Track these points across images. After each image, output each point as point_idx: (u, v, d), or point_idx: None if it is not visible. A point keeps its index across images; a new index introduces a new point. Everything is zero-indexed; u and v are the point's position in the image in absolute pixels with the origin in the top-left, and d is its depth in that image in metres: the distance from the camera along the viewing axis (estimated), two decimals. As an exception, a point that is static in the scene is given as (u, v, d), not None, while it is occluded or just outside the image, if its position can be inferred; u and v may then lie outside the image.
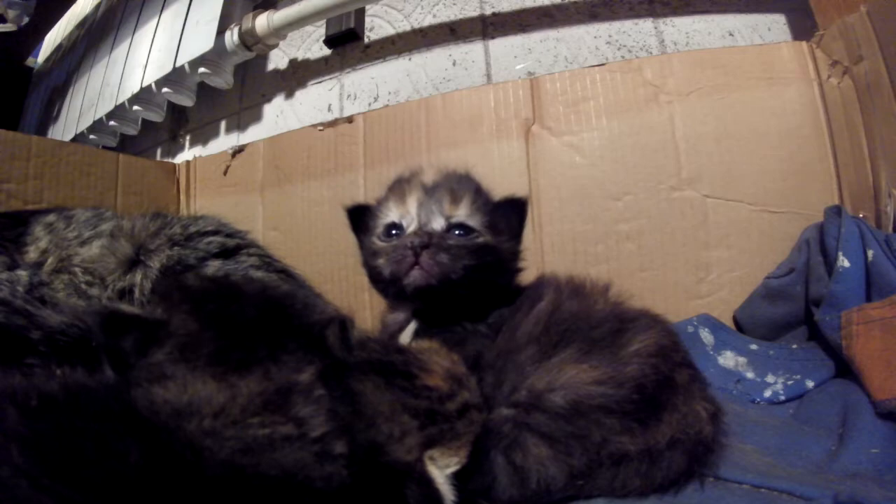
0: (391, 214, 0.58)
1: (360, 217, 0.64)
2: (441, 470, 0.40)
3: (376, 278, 0.59)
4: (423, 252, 0.52)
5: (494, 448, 0.45)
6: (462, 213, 0.56)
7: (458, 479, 0.41)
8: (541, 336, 0.52)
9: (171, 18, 1.37)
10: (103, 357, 0.39)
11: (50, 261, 0.65)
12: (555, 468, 0.44)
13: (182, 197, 1.22)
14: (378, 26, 1.28)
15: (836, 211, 0.72)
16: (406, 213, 0.57)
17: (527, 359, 0.50)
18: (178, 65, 1.29)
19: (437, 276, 0.52)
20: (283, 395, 0.35)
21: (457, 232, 0.55)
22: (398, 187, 0.60)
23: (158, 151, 1.59)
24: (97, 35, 1.67)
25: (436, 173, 0.60)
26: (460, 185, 0.58)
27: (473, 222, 0.56)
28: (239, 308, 0.41)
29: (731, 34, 1.01)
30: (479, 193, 0.59)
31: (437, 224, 0.55)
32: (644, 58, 0.98)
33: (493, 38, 1.17)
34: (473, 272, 0.54)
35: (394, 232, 0.57)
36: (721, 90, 0.84)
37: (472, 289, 0.54)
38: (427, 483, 0.38)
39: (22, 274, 0.62)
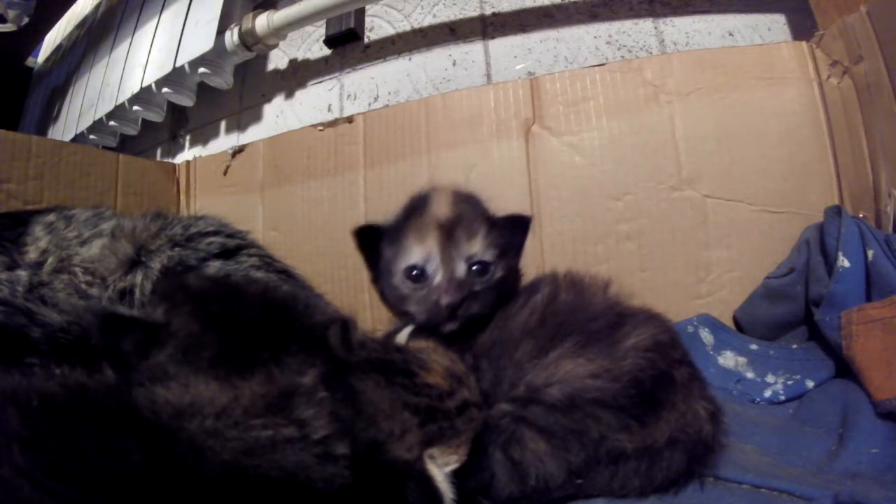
0: (412, 256, 0.57)
1: (367, 237, 0.63)
2: (441, 468, 0.40)
3: (399, 309, 0.60)
4: (458, 308, 0.54)
5: (493, 444, 0.45)
6: (478, 249, 0.57)
7: (457, 477, 0.41)
8: (536, 329, 0.52)
9: (171, 18, 1.37)
10: (102, 358, 0.39)
11: (50, 261, 0.65)
12: (553, 464, 0.44)
13: (182, 197, 1.22)
14: (378, 26, 1.28)
15: (836, 211, 0.72)
16: (428, 257, 0.57)
17: (524, 355, 0.51)
18: (178, 65, 1.28)
19: (468, 319, 0.55)
20: (286, 398, 0.35)
21: (475, 268, 0.56)
22: (415, 223, 0.59)
23: (158, 151, 1.59)
24: (97, 35, 1.66)
25: (445, 201, 0.59)
26: (473, 216, 0.58)
27: (489, 256, 0.57)
28: (241, 309, 0.41)
29: (731, 34, 1.01)
30: (489, 221, 0.59)
31: (461, 269, 0.56)
32: (644, 58, 0.98)
33: (493, 38, 1.17)
34: (494, 304, 0.57)
35: (414, 273, 0.57)
36: (721, 90, 0.84)
37: (488, 313, 0.57)
38: (427, 481, 0.38)
39: (22, 274, 0.62)
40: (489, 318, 0.57)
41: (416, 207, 0.60)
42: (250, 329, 0.39)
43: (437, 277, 0.56)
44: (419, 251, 0.57)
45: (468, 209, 0.59)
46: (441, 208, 0.58)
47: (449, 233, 0.56)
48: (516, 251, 0.62)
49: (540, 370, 0.48)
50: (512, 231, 0.61)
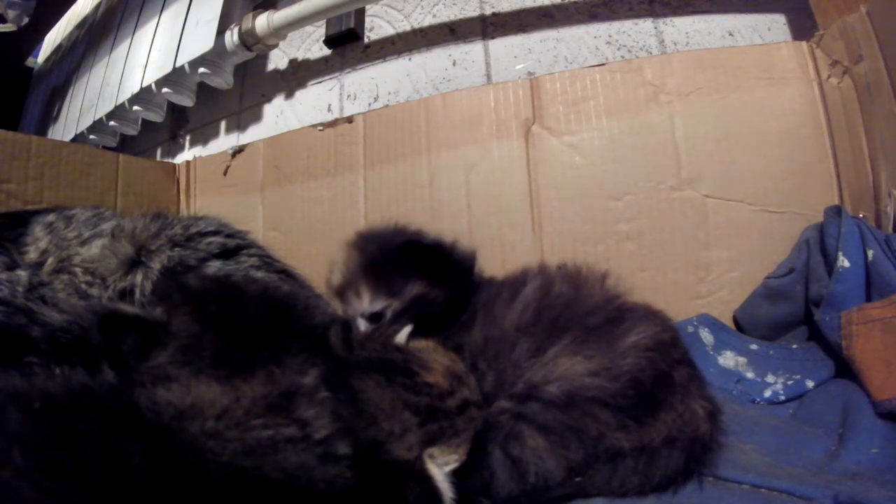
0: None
1: None
2: (441, 468, 0.40)
3: None
4: None
5: (492, 442, 0.45)
6: (366, 305, 0.60)
7: (457, 476, 0.41)
8: (531, 325, 0.52)
9: (171, 18, 1.37)
10: (102, 357, 0.39)
11: (50, 261, 0.65)
12: (552, 461, 0.44)
13: (182, 197, 1.22)
14: (378, 26, 1.28)
15: (836, 211, 0.72)
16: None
17: (522, 353, 0.50)
18: (178, 65, 1.28)
19: None
20: (287, 398, 0.35)
21: (371, 319, 0.60)
22: (329, 294, 0.64)
23: (158, 151, 1.59)
24: (97, 35, 1.67)
25: (338, 269, 0.63)
26: (356, 274, 0.61)
27: (379, 305, 0.60)
28: (241, 309, 0.41)
29: (731, 34, 1.01)
30: (368, 272, 0.61)
31: (363, 325, 0.60)
32: (644, 58, 0.98)
33: (493, 38, 1.17)
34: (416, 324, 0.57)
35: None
36: (721, 90, 0.84)
37: (428, 323, 0.58)
38: (427, 481, 0.38)
39: (22, 274, 0.62)
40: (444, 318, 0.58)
41: (329, 279, 0.65)
42: (250, 329, 0.39)
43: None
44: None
45: (354, 266, 0.62)
46: (335, 278, 0.63)
47: (343, 297, 0.61)
48: (423, 272, 0.60)
49: (539, 367, 0.48)
50: (408, 258, 0.60)
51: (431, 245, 0.62)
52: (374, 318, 0.60)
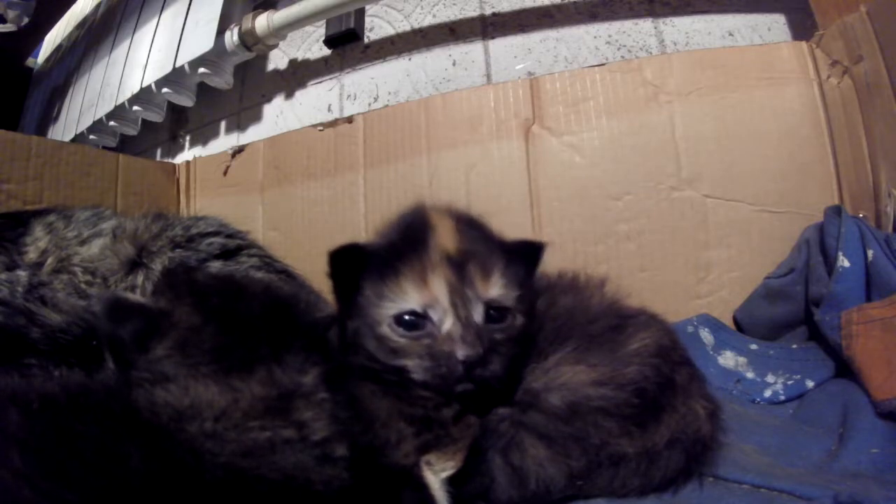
0: (408, 300, 0.43)
1: (346, 261, 0.47)
2: (437, 475, 0.40)
3: (387, 364, 0.44)
4: (479, 364, 0.42)
5: (492, 448, 0.45)
6: (497, 291, 0.45)
7: (457, 480, 0.41)
8: (534, 335, 0.51)
9: (171, 18, 1.37)
10: (106, 351, 0.39)
11: (49, 261, 0.65)
12: (553, 469, 0.43)
13: (182, 197, 1.22)
14: (378, 26, 1.28)
15: (836, 211, 0.72)
16: (434, 302, 0.43)
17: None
18: (178, 65, 1.28)
19: (485, 382, 0.43)
20: (286, 399, 0.35)
21: (493, 315, 0.45)
22: (412, 258, 0.45)
23: (158, 151, 1.59)
24: (97, 35, 1.66)
25: (450, 228, 0.47)
26: (487, 249, 0.47)
27: (510, 301, 0.46)
28: (242, 304, 0.41)
29: (731, 34, 1.01)
30: (503, 255, 0.47)
31: (478, 314, 0.44)
32: (644, 58, 0.98)
33: (493, 38, 1.16)
34: (513, 360, 0.46)
35: (409, 319, 0.44)
36: (721, 90, 0.84)
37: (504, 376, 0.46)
38: (422, 488, 0.38)
39: (21, 274, 0.62)
40: (507, 385, 0.46)
41: (413, 236, 0.46)
42: (251, 324, 0.39)
43: (447, 324, 0.43)
44: (419, 296, 0.44)
45: (479, 239, 0.48)
46: (447, 239, 0.45)
47: (460, 271, 0.44)
48: (529, 279, 0.51)
49: (539, 374, 0.47)
50: (524, 261, 0.50)
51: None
52: (496, 313, 0.45)
